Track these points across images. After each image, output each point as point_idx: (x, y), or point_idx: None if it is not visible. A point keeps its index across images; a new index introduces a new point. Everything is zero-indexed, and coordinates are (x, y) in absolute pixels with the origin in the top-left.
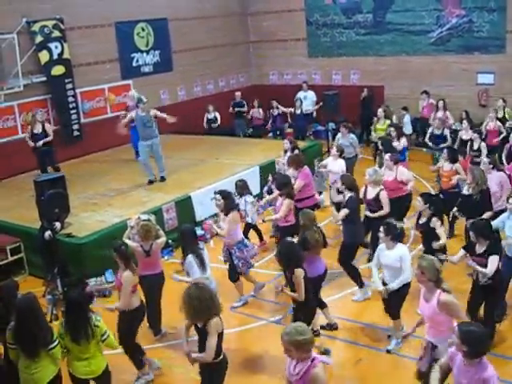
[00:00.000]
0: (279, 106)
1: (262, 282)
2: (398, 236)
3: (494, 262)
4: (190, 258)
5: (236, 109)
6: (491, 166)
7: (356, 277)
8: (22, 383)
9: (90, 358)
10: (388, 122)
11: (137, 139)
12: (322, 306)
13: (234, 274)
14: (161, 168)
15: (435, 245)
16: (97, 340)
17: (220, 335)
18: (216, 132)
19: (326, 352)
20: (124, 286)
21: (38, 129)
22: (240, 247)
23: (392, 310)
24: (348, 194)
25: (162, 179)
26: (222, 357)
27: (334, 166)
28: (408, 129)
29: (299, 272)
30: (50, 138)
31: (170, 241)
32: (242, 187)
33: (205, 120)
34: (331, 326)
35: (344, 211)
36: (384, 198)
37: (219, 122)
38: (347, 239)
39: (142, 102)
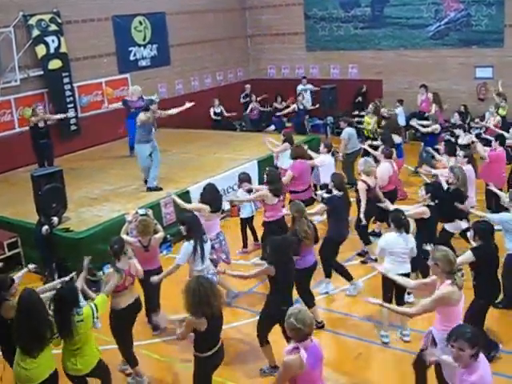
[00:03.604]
0: (278, 106)
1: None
2: (400, 225)
3: (465, 255)
4: (186, 244)
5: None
6: (466, 159)
7: (342, 272)
8: (15, 377)
9: (78, 355)
10: (375, 118)
11: (134, 135)
12: (309, 304)
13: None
14: (155, 175)
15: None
16: (85, 334)
17: (210, 332)
18: (223, 126)
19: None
20: (106, 281)
21: (41, 122)
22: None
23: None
24: (334, 193)
25: (158, 188)
26: (209, 353)
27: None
28: (401, 121)
29: (267, 267)
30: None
31: (168, 236)
32: (241, 180)
33: (211, 113)
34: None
35: (321, 206)
36: (359, 188)
37: (227, 114)
38: (328, 234)
39: (154, 102)
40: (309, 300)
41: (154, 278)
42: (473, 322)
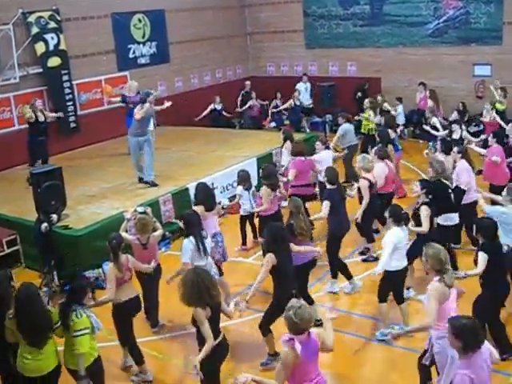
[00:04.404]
0: (278, 102)
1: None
2: (400, 219)
3: (480, 259)
4: (186, 241)
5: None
6: (460, 155)
7: (343, 270)
8: (21, 370)
9: (75, 350)
10: (372, 112)
11: None
12: (309, 302)
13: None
14: (151, 169)
15: (412, 229)
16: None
17: (212, 322)
18: (220, 124)
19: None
20: (107, 277)
21: (41, 117)
22: None
23: (378, 291)
24: (328, 187)
25: (154, 184)
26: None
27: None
28: (400, 119)
29: (268, 256)
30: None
31: (167, 233)
32: (241, 178)
33: (208, 110)
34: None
35: (325, 203)
36: (361, 186)
37: (226, 114)
38: (330, 230)
39: (151, 95)
40: (306, 298)
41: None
42: (481, 317)
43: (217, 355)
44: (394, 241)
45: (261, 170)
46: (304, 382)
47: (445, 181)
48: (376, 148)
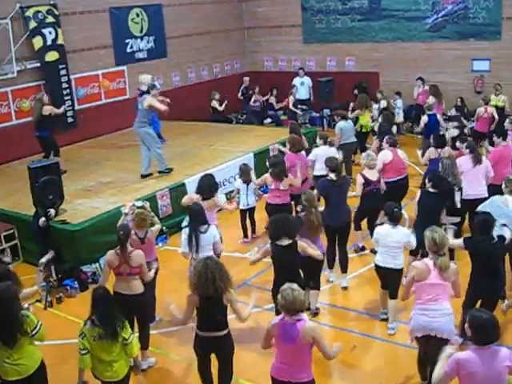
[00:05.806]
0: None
1: None
2: (393, 217)
3: (459, 240)
4: (183, 231)
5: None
6: (468, 149)
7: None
8: (1, 374)
9: (113, 361)
10: (366, 111)
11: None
12: (312, 286)
13: None
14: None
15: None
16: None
17: (202, 311)
18: (222, 119)
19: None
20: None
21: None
22: None
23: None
24: (328, 177)
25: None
26: (197, 332)
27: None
28: (399, 114)
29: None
30: None
31: (164, 228)
32: (242, 171)
33: (217, 106)
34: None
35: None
36: (357, 180)
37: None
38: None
39: (155, 87)
40: (313, 283)
41: None
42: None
43: (196, 344)
44: (375, 236)
45: (267, 159)
46: (280, 364)
47: (450, 179)
48: (387, 136)
